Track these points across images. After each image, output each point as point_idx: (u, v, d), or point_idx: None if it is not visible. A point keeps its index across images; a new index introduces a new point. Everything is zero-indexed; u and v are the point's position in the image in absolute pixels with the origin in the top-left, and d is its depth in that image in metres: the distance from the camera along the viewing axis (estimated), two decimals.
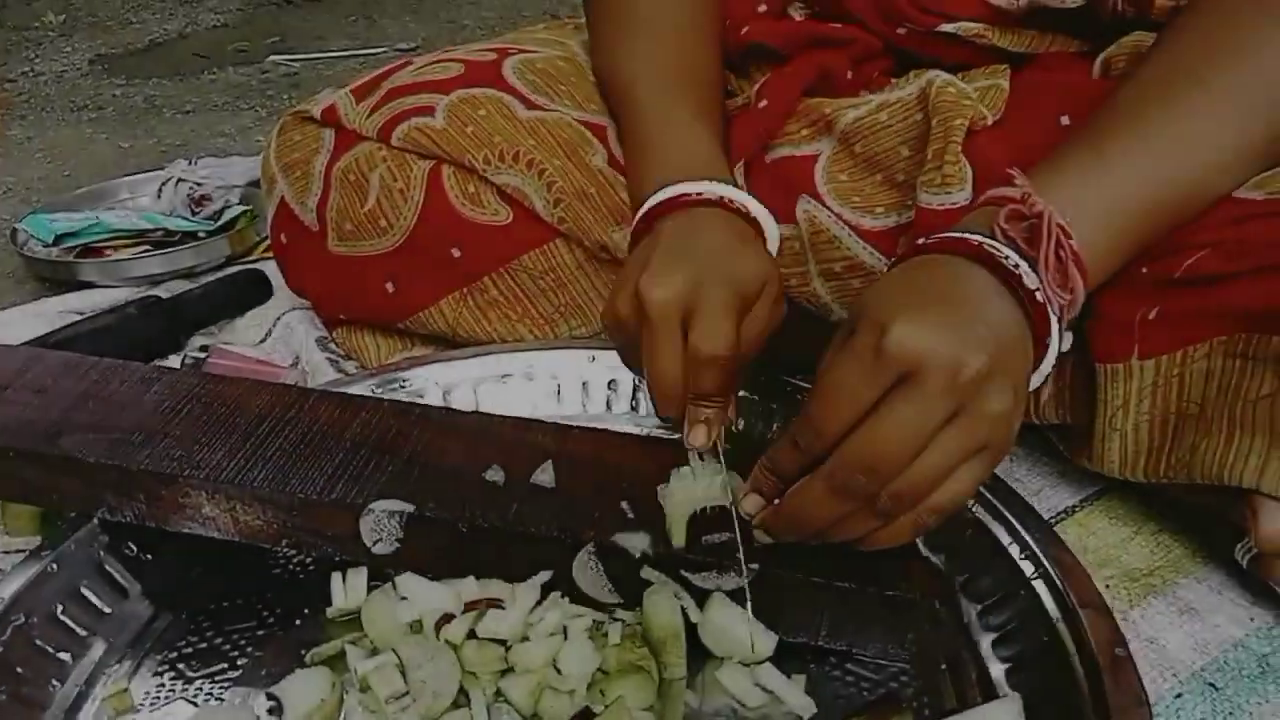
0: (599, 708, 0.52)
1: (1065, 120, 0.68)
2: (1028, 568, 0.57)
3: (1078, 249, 0.51)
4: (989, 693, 0.53)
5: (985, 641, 0.56)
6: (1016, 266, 0.50)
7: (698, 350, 0.55)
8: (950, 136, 0.65)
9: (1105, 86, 0.69)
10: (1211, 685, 0.58)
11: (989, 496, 0.62)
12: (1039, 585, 0.56)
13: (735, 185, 0.66)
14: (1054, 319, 0.51)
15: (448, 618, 0.55)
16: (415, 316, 0.85)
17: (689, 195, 0.64)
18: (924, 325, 0.46)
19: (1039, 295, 0.50)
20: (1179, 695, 0.57)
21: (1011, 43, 0.74)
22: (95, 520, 0.62)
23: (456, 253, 0.81)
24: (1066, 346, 0.52)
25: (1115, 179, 0.55)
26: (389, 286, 0.85)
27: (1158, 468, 0.63)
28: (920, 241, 0.54)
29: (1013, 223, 0.51)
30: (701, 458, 0.58)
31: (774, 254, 0.67)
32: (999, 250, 0.50)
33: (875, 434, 0.46)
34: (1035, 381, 0.52)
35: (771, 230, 0.67)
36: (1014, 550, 0.59)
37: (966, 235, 0.52)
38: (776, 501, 0.52)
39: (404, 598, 0.56)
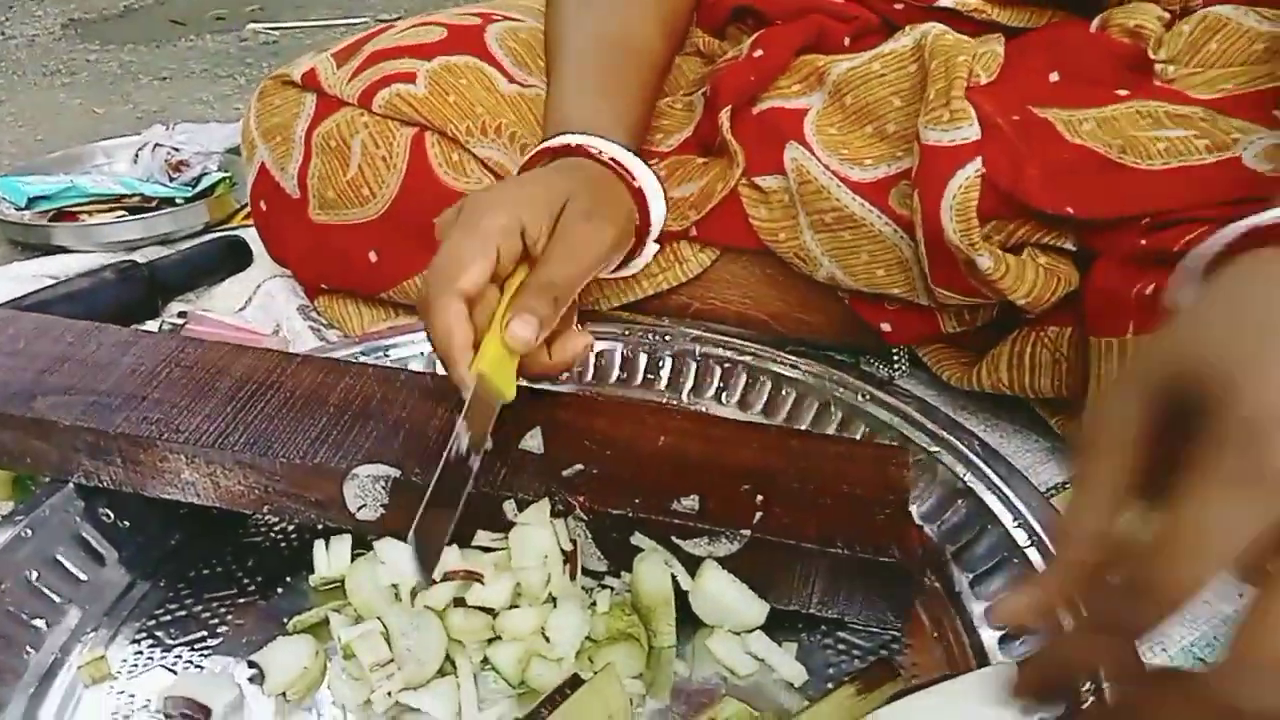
0: (588, 675, 0.51)
1: (1055, 77, 0.67)
2: (1021, 536, 0.57)
3: None
4: (982, 661, 0.53)
5: (978, 609, 0.56)
6: None
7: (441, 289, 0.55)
8: (954, 75, 0.65)
9: (1101, 40, 0.68)
10: (1201, 660, 0.57)
11: (981, 465, 0.62)
12: (1032, 553, 0.56)
13: (618, 145, 0.67)
14: None
15: None
16: (399, 287, 0.84)
17: (549, 148, 0.67)
18: None
19: None
20: None
21: (1010, 18, 0.73)
22: (71, 485, 0.61)
23: None
24: None
25: None
26: (372, 256, 0.83)
27: None
28: (1258, 226, 0.42)
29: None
30: None
31: (657, 222, 0.69)
32: None
33: None
34: None
35: (652, 190, 0.68)
36: (1006, 519, 0.58)
37: None
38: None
39: (383, 562, 0.55)
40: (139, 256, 1.03)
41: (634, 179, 0.67)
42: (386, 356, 0.76)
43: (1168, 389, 0.35)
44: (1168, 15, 0.68)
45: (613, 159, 0.67)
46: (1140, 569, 0.33)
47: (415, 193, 0.79)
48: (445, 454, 0.52)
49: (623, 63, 0.75)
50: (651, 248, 0.72)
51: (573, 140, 0.67)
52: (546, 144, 0.67)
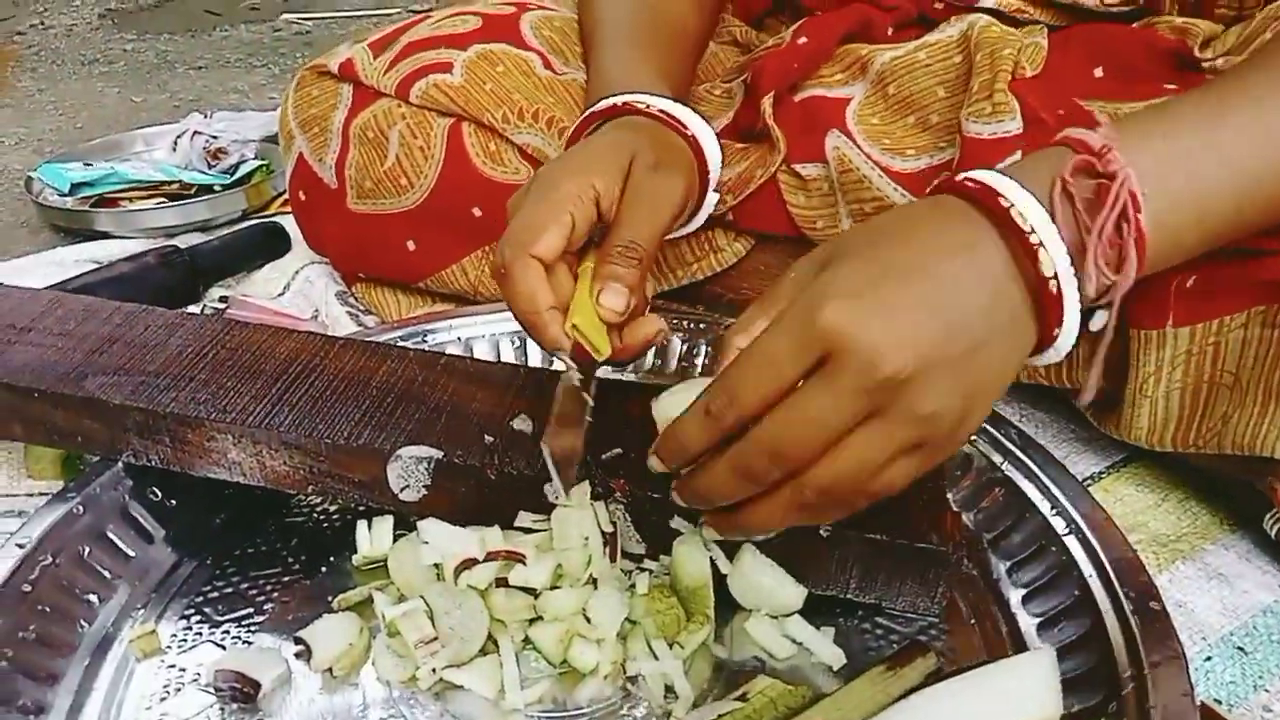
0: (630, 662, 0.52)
1: (1099, 73, 0.67)
2: (1059, 524, 0.57)
3: (1145, 227, 0.44)
4: (1020, 647, 0.53)
5: (1015, 596, 0.56)
6: (1038, 245, 0.43)
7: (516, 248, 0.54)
8: (998, 67, 0.64)
9: (1148, 35, 0.67)
10: (1240, 649, 0.57)
11: (1019, 454, 0.62)
12: (1070, 541, 0.56)
13: (663, 98, 0.65)
14: (1071, 308, 0.44)
15: (469, 563, 0.55)
16: (436, 276, 0.84)
17: (597, 112, 0.65)
18: (860, 306, 0.41)
19: (1054, 285, 0.43)
20: (1208, 658, 0.57)
21: (1052, 18, 0.73)
22: (120, 464, 0.62)
23: (478, 212, 0.80)
24: (1100, 326, 0.46)
25: (1213, 156, 0.47)
26: (410, 245, 0.84)
27: (1187, 437, 0.62)
28: (953, 177, 0.47)
29: (1078, 176, 0.44)
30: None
31: (715, 167, 0.66)
32: (1022, 220, 0.43)
33: (785, 420, 0.42)
34: (1044, 359, 0.47)
35: (705, 136, 0.65)
36: (1044, 506, 0.58)
37: (998, 184, 0.44)
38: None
39: (425, 542, 0.56)
40: (179, 242, 1.05)
41: (686, 127, 0.65)
42: (425, 341, 0.77)
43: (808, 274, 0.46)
44: (1219, 28, 0.68)
45: (662, 110, 0.64)
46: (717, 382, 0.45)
47: (453, 182, 0.80)
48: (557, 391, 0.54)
49: (659, 32, 0.74)
50: (712, 197, 0.69)
51: (619, 100, 0.65)
52: (593, 108, 0.66)
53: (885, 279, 0.42)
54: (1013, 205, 0.44)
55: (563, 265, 0.56)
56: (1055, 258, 0.43)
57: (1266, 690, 0.55)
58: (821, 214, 0.73)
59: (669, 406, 0.49)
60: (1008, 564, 0.58)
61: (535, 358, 0.76)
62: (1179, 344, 0.60)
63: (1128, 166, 0.44)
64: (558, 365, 0.56)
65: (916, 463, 0.44)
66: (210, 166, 1.24)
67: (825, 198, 0.73)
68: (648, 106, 0.64)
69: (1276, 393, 0.56)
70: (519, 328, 0.76)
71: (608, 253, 0.55)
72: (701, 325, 0.78)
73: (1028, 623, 0.54)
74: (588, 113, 0.66)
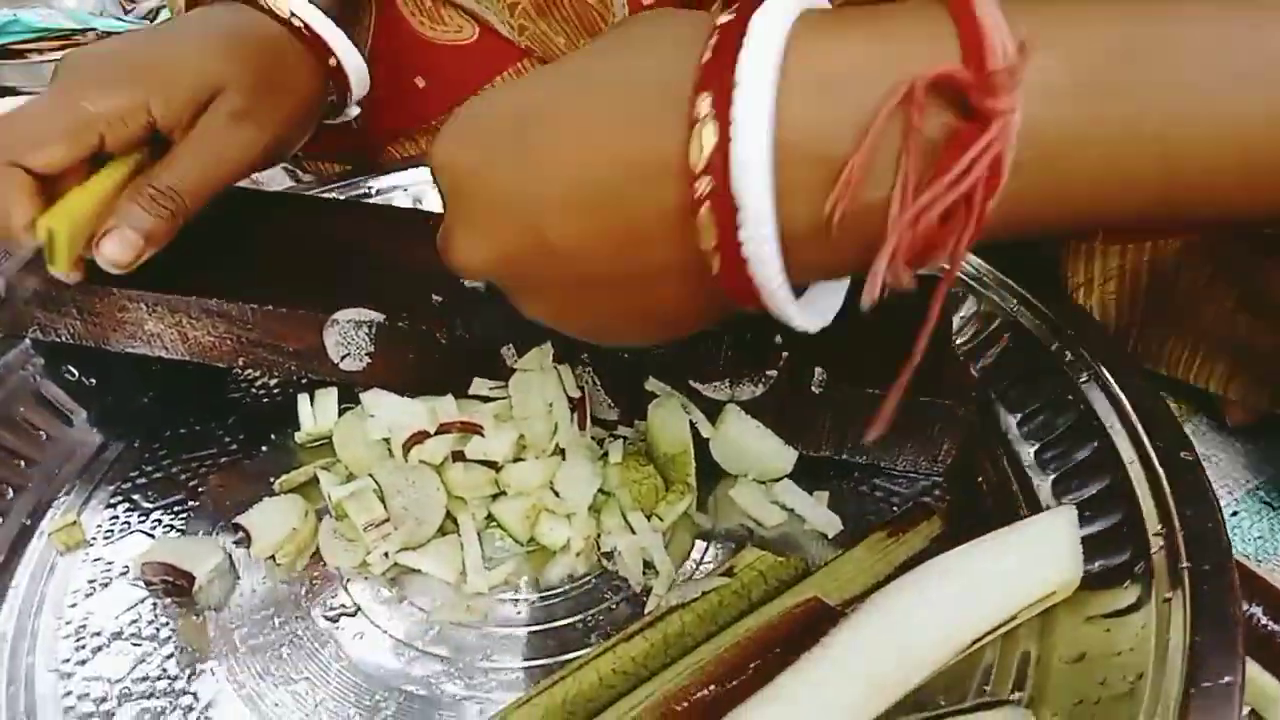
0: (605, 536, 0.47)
1: None
2: (1076, 371, 0.51)
3: (989, 210, 0.27)
4: (1034, 507, 0.48)
5: (1027, 451, 0.51)
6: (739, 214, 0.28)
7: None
8: None
9: None
10: (1268, 504, 0.53)
11: (1028, 295, 0.56)
12: (1090, 389, 0.50)
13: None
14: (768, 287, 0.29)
15: (420, 436, 0.49)
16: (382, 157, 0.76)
17: None
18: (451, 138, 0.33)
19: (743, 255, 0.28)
20: (1235, 513, 0.53)
21: None
22: (27, 341, 0.55)
23: (421, 82, 0.71)
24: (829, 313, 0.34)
25: (1130, 81, 0.27)
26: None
27: (1125, 344, 0.57)
28: None
29: (933, 103, 0.26)
30: None
31: (361, 88, 0.56)
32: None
33: None
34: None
35: (338, 41, 0.54)
36: (1059, 351, 0.53)
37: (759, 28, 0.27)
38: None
39: (371, 415, 0.50)
40: None
41: (330, 53, 0.54)
42: (369, 195, 0.69)
43: None
44: None
45: (304, 24, 0.53)
46: None
47: (388, 48, 0.70)
48: None
49: None
50: (353, 110, 0.60)
51: None
52: None
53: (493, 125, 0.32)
54: (738, 85, 0.27)
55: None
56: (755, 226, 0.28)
57: None
58: None
59: None
60: (1018, 416, 0.53)
61: None
62: (1110, 261, 0.55)
63: (1014, 111, 0.25)
64: None
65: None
66: (126, 12, 1.13)
67: None
68: (289, 14, 0.53)
69: (1204, 333, 0.51)
70: None
71: (139, 189, 0.46)
72: None
73: (1041, 480, 0.49)
74: None
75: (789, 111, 0.27)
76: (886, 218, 0.27)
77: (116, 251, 0.45)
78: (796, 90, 0.27)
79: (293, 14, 0.53)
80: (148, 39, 0.50)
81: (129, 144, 0.47)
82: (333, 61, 0.54)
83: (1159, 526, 0.42)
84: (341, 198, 0.68)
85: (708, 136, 0.27)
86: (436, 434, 0.48)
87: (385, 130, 0.74)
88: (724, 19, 0.28)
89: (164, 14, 1.10)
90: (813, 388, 0.47)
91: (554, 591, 0.47)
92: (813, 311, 0.33)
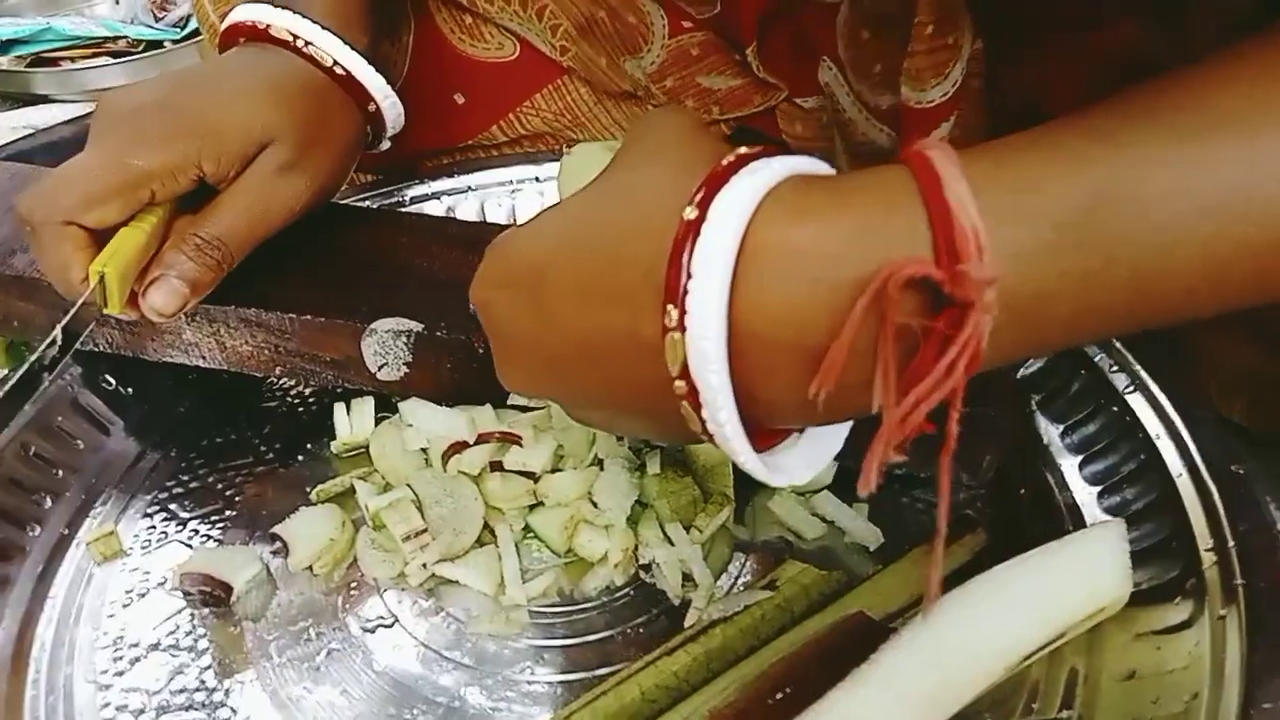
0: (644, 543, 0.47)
1: None
2: (1119, 380, 0.51)
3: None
4: (1078, 519, 0.48)
5: (1070, 463, 0.50)
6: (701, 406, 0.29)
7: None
8: None
9: None
10: None
11: None
12: (1134, 399, 0.49)
13: (353, 49, 0.53)
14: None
15: (459, 446, 0.49)
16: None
17: (253, 24, 0.52)
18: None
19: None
20: None
21: None
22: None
23: (460, 99, 0.71)
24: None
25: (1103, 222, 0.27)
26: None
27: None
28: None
29: (909, 294, 0.26)
30: None
31: (394, 127, 0.56)
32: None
33: None
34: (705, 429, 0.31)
35: (380, 88, 0.54)
36: (1103, 363, 0.52)
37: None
38: None
39: (409, 425, 0.50)
40: None
41: (370, 99, 0.54)
42: (403, 203, 0.69)
43: None
44: None
45: (343, 70, 0.52)
46: None
47: (427, 66, 0.70)
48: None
49: None
50: (385, 145, 0.59)
51: (288, 26, 0.51)
52: (244, 18, 0.52)
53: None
54: (693, 278, 0.28)
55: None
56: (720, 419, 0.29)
57: None
58: (818, 146, 0.66)
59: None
60: (1060, 428, 0.52)
61: (525, 217, 0.69)
62: None
63: (989, 295, 0.25)
64: None
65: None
66: (157, 20, 1.14)
67: (826, 129, 0.65)
68: (331, 64, 0.52)
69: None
70: (507, 183, 0.69)
71: (185, 238, 0.46)
72: None
73: (1086, 493, 0.49)
74: (234, 20, 0.53)
75: (753, 300, 0.27)
76: (869, 390, 0.27)
77: (162, 301, 0.46)
78: (766, 278, 0.27)
79: (335, 63, 0.52)
80: (190, 87, 0.50)
81: (172, 198, 0.47)
82: (372, 107, 0.55)
83: (1210, 541, 0.41)
84: (375, 206, 0.68)
85: (674, 338, 0.28)
86: (475, 444, 0.48)
87: (423, 148, 0.73)
88: (696, 200, 0.28)
89: (193, 22, 1.11)
90: None
91: (591, 604, 0.47)
92: (807, 460, 0.35)
